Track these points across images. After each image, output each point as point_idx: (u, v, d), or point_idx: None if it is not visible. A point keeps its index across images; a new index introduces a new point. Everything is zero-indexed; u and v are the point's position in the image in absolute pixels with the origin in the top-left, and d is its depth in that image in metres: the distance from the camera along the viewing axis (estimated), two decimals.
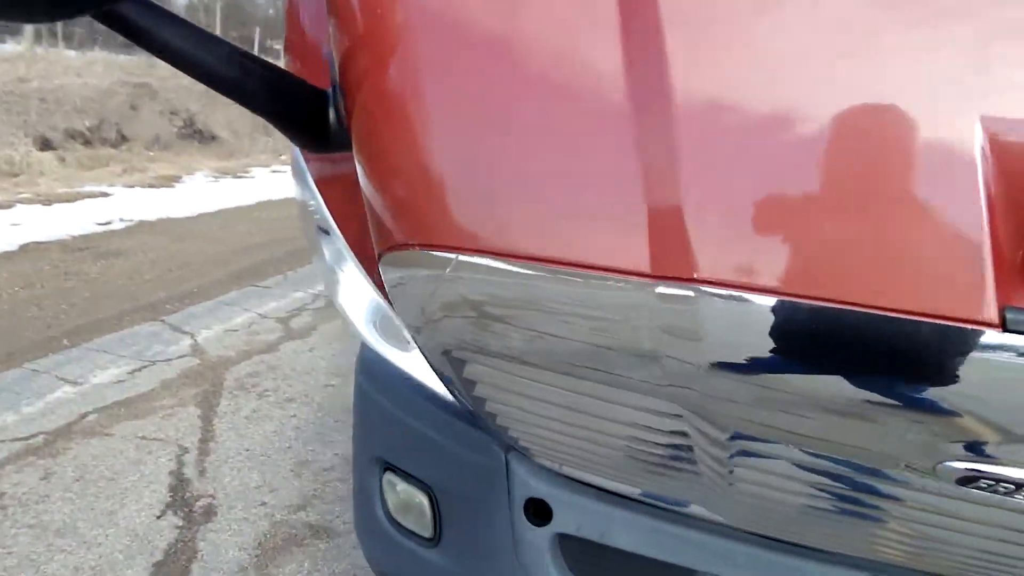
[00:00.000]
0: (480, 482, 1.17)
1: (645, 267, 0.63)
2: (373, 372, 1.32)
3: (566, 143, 0.65)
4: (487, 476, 1.15)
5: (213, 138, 11.28)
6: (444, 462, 1.21)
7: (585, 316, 0.70)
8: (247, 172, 7.88)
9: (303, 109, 0.92)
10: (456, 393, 1.07)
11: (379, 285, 1.17)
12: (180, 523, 2.18)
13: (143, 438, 2.60)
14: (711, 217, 0.59)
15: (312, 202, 1.29)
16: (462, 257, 0.72)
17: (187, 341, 3.45)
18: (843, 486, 0.74)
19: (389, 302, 1.17)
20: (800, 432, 0.68)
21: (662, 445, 0.85)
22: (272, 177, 7.91)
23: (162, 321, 3.66)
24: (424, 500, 1.26)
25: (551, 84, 0.66)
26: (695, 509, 0.99)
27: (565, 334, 0.73)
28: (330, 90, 0.95)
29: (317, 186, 1.22)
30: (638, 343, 0.68)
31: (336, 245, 1.27)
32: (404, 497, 1.31)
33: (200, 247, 4.99)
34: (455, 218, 0.72)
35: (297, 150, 1.26)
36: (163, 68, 12.67)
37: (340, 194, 1.19)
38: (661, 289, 0.63)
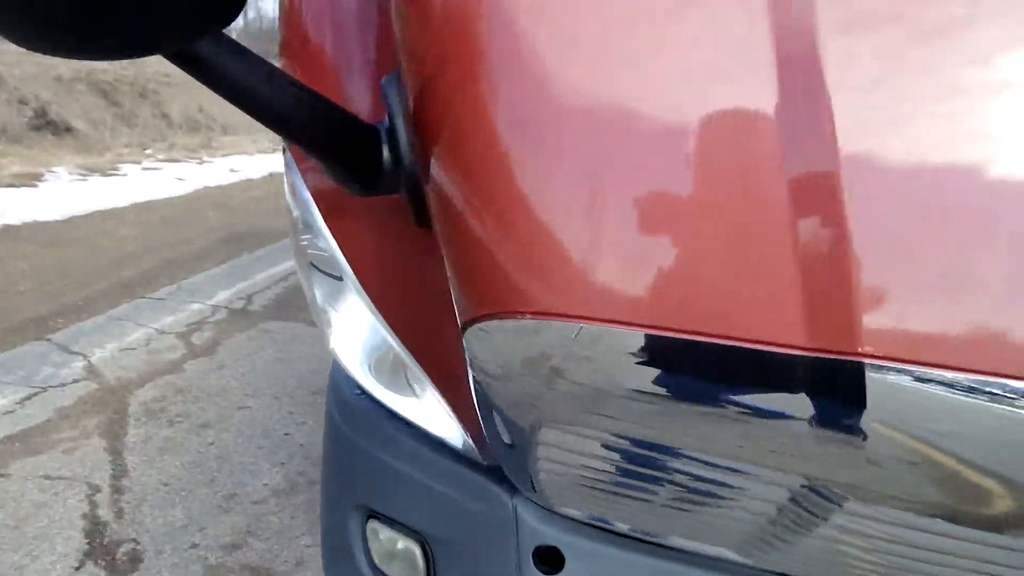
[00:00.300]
0: (482, 529, 1.12)
1: (801, 340, 0.59)
2: (355, 416, 1.24)
3: (717, 203, 0.61)
4: (490, 523, 1.10)
5: (68, 130, 10.47)
6: (441, 509, 1.15)
7: (722, 390, 0.66)
8: (116, 169, 7.34)
9: (355, 147, 0.82)
10: (499, 452, 1.01)
11: (395, 329, 1.09)
12: (103, 574, 1.98)
13: (46, 477, 2.36)
14: (875, 287, 0.56)
15: (307, 235, 1.19)
16: (590, 328, 0.66)
17: (80, 363, 3.16)
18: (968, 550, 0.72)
19: (407, 348, 1.09)
20: (948, 503, 0.66)
21: (748, 506, 0.82)
22: (146, 175, 7.42)
23: (48, 340, 3.34)
24: (415, 548, 1.19)
25: (704, 136, 0.61)
26: (723, 552, 0.97)
27: (697, 408, 0.69)
28: (384, 124, 0.86)
29: (321, 214, 1.11)
30: (783, 418, 0.65)
31: (345, 282, 1.17)
32: (388, 545, 1.24)
33: (78, 254, 4.60)
34: (585, 285, 0.65)
35: (294, 167, 1.15)
36: (9, 52, 11.68)
37: (351, 225, 1.10)
38: (818, 364, 0.59)
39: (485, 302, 0.71)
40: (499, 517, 1.07)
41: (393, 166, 0.84)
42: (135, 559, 2.04)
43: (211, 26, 0.60)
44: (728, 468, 0.75)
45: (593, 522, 1.02)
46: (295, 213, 1.17)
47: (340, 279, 1.16)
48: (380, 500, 1.23)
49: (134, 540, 2.11)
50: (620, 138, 0.63)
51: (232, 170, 8.18)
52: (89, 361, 3.18)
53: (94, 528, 2.14)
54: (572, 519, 1.03)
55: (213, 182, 7.46)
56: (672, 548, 0.99)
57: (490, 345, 0.75)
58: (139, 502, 2.28)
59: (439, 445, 1.12)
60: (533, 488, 1.00)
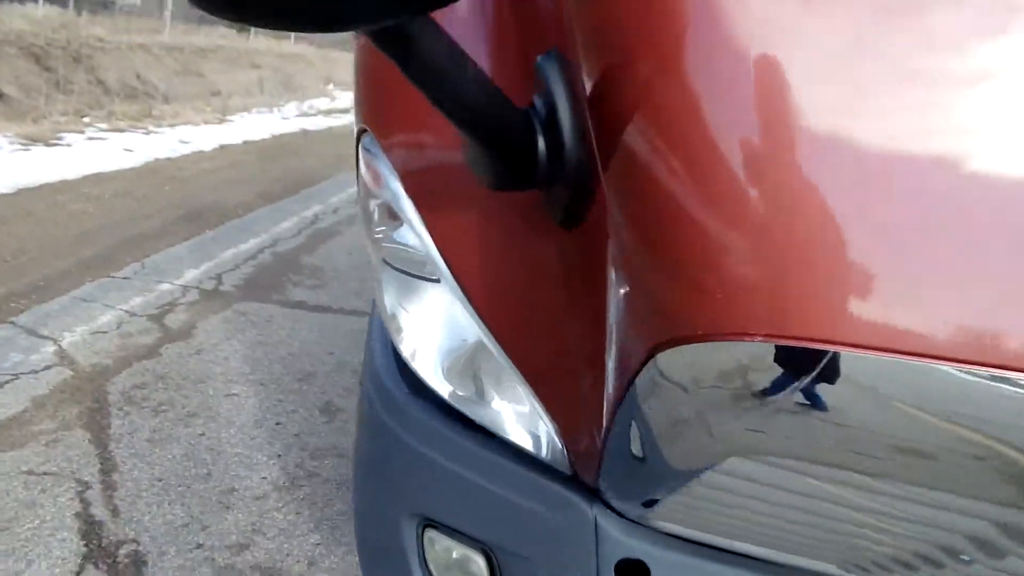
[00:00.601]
0: (558, 541, 1.07)
1: None
2: (410, 420, 1.17)
3: (988, 222, 0.55)
4: (567, 534, 1.05)
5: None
6: (511, 519, 1.10)
7: (982, 420, 0.60)
8: (59, 139, 6.96)
9: (512, 136, 0.74)
10: (613, 465, 0.95)
11: (495, 331, 1.02)
12: None
13: (30, 473, 2.21)
14: None
15: (383, 227, 1.10)
16: (849, 353, 0.59)
17: (50, 347, 2.98)
18: None
19: (504, 350, 1.02)
20: None
21: (901, 529, 0.78)
22: (92, 146, 7.06)
23: (12, 323, 3.14)
24: (480, 560, 1.14)
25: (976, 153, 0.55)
26: (826, 567, 0.94)
27: (932, 440, 0.64)
28: (536, 107, 0.78)
29: (414, 204, 1.02)
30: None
31: (421, 280, 1.09)
32: (445, 556, 1.18)
33: (31, 230, 4.34)
34: (833, 307, 0.59)
35: (380, 153, 1.06)
36: None
37: (444, 218, 1.01)
38: None
39: (703, 322, 0.64)
40: (577, 528, 1.01)
41: (550, 157, 0.76)
42: (138, 562, 1.93)
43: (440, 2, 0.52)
44: (910, 496, 0.71)
45: (682, 534, 0.98)
46: (373, 203, 1.09)
47: (415, 276, 1.09)
48: (440, 508, 1.16)
49: (134, 541, 2.00)
50: (876, 148, 0.57)
51: (182, 141, 7.85)
52: (59, 346, 3.00)
53: (90, 528, 2.02)
54: (658, 531, 0.99)
55: (163, 154, 7.14)
56: (763, 560, 0.95)
57: (693, 366, 0.68)
58: (134, 499, 2.16)
59: (512, 452, 1.04)
60: (646, 507, 0.95)
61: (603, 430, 0.89)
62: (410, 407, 1.16)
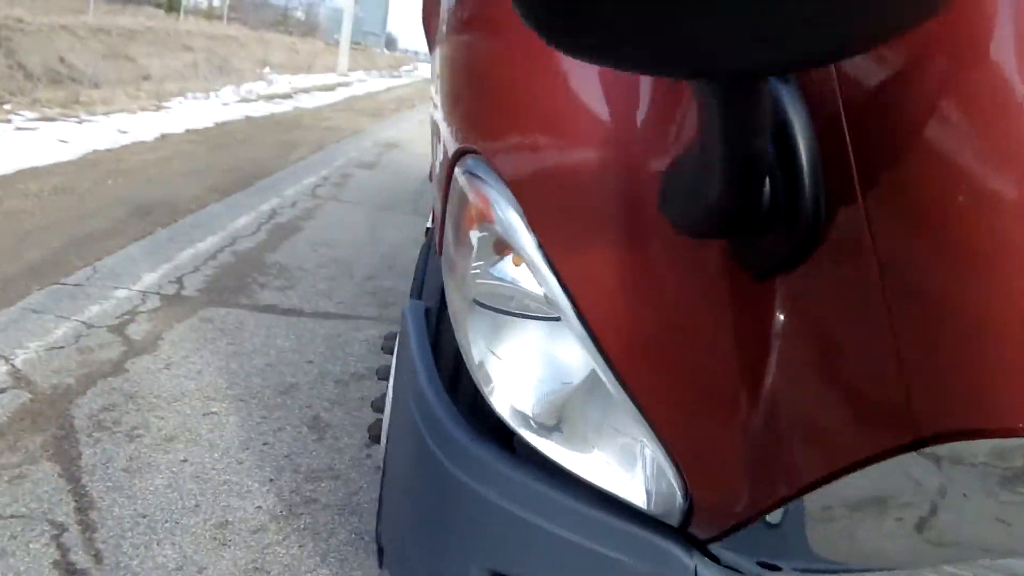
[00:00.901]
0: None
1: None
2: (481, 468, 1.08)
3: None
4: None
5: None
6: (597, 572, 1.01)
7: None
8: None
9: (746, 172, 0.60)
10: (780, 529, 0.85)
11: (622, 375, 0.86)
12: None
13: None
14: None
15: (480, 262, 0.97)
16: None
17: (1, 367, 2.70)
18: None
19: (639, 403, 0.89)
20: None
21: None
22: (22, 137, 6.57)
23: None
24: None
25: None
26: None
27: None
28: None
29: (538, 239, 0.88)
30: None
31: (511, 319, 0.97)
32: None
33: None
34: None
35: (495, 178, 0.91)
36: None
37: (569, 255, 0.88)
38: None
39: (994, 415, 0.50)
40: None
41: (775, 198, 0.61)
42: None
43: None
44: None
45: None
46: (476, 235, 0.93)
47: (510, 313, 0.96)
48: (514, 562, 1.05)
49: None
50: None
51: (120, 130, 7.41)
52: (12, 365, 2.72)
53: None
54: None
55: (101, 144, 6.71)
56: None
57: (978, 455, 0.55)
58: (118, 540, 1.94)
59: (604, 501, 0.95)
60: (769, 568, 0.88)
61: (776, 497, 0.80)
62: (480, 454, 1.07)
